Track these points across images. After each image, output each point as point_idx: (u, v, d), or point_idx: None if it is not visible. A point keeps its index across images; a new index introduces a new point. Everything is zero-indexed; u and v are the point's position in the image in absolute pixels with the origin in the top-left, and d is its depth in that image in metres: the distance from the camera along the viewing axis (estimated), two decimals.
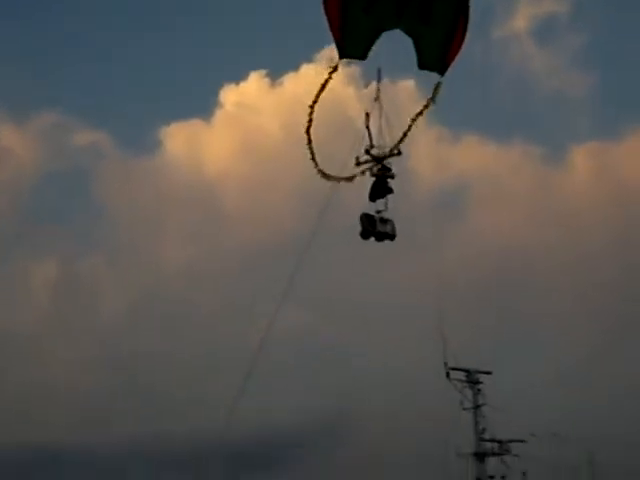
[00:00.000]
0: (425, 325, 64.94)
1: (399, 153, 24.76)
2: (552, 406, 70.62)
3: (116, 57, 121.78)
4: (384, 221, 24.82)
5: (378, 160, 24.77)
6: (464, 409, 56.11)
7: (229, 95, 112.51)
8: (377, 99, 25.20)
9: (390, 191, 24.91)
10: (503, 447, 55.47)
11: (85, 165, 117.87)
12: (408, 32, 24.64)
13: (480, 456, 55.51)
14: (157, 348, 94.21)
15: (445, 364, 55.20)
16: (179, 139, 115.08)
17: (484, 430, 55.98)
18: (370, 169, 24.70)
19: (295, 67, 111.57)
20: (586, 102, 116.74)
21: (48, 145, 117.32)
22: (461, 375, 56.35)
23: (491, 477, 55.24)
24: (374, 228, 24.49)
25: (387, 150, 24.67)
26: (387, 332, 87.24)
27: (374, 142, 24.69)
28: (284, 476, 78.01)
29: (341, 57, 24.96)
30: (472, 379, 56.46)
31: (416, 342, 73.07)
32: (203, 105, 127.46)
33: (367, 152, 24.78)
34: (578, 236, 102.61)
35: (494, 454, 55.59)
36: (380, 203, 24.81)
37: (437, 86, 25.13)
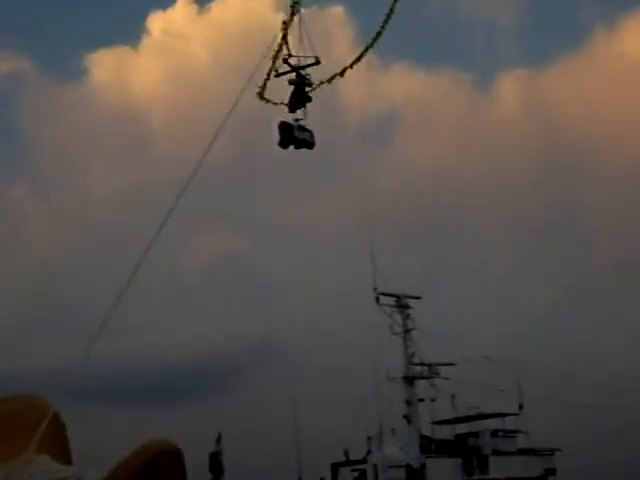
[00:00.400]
0: (355, 251, 65.00)
1: (318, 62, 24.14)
2: (482, 331, 71.33)
3: None
4: (302, 129, 24.22)
5: (296, 69, 24.08)
6: (394, 334, 56.36)
7: (156, 22, 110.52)
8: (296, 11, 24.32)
9: (309, 99, 24.28)
10: (432, 370, 55.85)
11: (8, 93, 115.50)
12: None
13: (410, 379, 55.86)
14: (85, 274, 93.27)
15: (374, 289, 55.29)
16: (106, 66, 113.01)
17: (413, 354, 56.31)
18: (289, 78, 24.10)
19: None
20: (515, 29, 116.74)
21: None
22: (390, 300, 56.49)
23: (421, 400, 55.64)
24: (292, 135, 23.87)
25: (306, 60, 24.02)
26: (317, 258, 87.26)
27: (292, 52, 23.99)
28: (211, 400, 78.07)
29: None
30: (401, 304, 56.62)
31: (346, 268, 73.16)
32: (130, 32, 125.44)
33: (285, 61, 24.07)
34: (506, 163, 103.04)
35: (423, 377, 55.99)
36: (299, 113, 24.23)
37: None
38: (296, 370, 64.94)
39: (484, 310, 78.48)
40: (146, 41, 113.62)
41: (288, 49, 23.83)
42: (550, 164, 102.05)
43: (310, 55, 23.88)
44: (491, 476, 55.01)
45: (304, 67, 23.98)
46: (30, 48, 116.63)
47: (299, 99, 24.00)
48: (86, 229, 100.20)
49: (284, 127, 23.79)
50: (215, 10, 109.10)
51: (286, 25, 23.95)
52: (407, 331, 56.45)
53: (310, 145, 24.20)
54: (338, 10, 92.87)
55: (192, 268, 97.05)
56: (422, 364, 56.24)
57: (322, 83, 24.46)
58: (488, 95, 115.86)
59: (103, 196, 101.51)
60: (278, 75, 24.03)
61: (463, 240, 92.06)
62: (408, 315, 56.72)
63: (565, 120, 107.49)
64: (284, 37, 23.84)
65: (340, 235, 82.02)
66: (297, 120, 24.02)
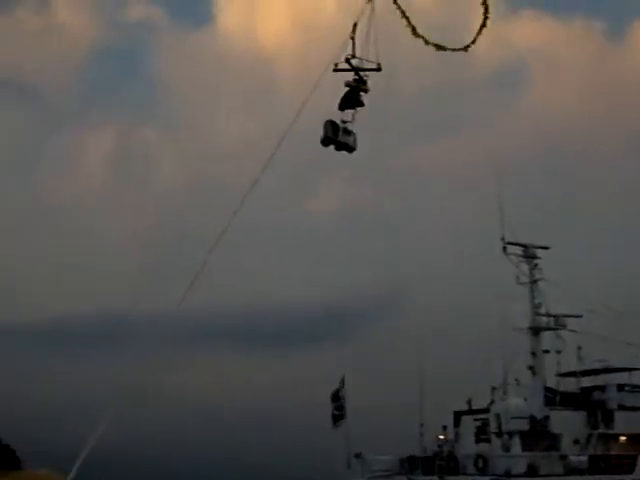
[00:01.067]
0: (482, 198, 64.45)
1: (379, 69, 23.89)
2: (611, 282, 70.14)
3: None
4: (347, 132, 24.09)
5: (356, 70, 23.90)
6: (520, 284, 55.75)
7: None
8: (370, 3, 24.04)
9: (361, 104, 24.10)
10: (559, 322, 55.19)
11: (140, 38, 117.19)
12: None
13: (535, 330, 55.30)
14: (209, 220, 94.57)
15: (502, 239, 54.72)
16: (234, 12, 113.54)
17: (540, 305, 55.67)
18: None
19: None
20: None
21: (103, 19, 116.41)
22: (518, 250, 55.84)
23: (546, 351, 55.12)
24: (336, 136, 23.78)
25: (368, 63, 23.87)
26: (446, 205, 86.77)
27: (357, 53, 23.79)
28: (336, 343, 78.77)
29: None
30: (529, 254, 55.92)
31: (473, 215, 72.64)
32: None
33: (347, 61, 23.88)
34: (636, 112, 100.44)
35: (549, 329, 55.38)
36: (348, 114, 24.09)
37: None
38: (421, 317, 65.06)
39: (613, 261, 77.15)
40: None
41: (354, 48, 23.63)
42: None
43: (373, 61, 23.66)
44: (616, 431, 54.40)
45: (364, 70, 23.76)
46: None
47: (351, 101, 23.88)
48: (214, 171, 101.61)
49: (331, 126, 23.72)
50: None
51: (355, 24, 23.69)
52: (534, 282, 55.76)
53: (351, 149, 24.22)
54: None
55: (319, 215, 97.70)
56: (548, 315, 55.61)
57: (460, 49, 24.13)
58: (619, 44, 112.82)
59: (230, 141, 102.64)
60: (336, 70, 23.87)
61: (591, 189, 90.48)
62: (535, 265, 56.00)
63: None
64: (352, 37, 23.62)
65: (467, 179, 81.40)
66: (344, 122, 23.90)
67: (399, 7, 23.79)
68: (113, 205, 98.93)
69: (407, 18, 23.92)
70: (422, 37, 24.04)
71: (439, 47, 24.17)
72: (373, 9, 23.56)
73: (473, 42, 24.11)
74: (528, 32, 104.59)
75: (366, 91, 24.10)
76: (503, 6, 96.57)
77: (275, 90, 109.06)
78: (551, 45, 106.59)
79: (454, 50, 24.22)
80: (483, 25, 24.02)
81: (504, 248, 55.08)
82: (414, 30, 23.97)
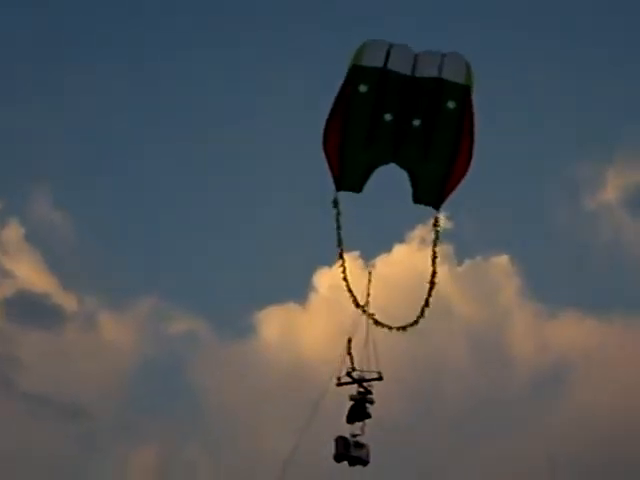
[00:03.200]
0: None
1: (380, 378, 24.20)
2: None
3: (212, 244, 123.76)
4: (359, 445, 24.05)
5: (359, 382, 24.32)
6: None
7: (323, 278, 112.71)
8: (365, 311, 24.94)
9: (368, 416, 24.32)
10: None
11: (182, 352, 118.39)
12: (404, 166, 24.23)
13: None
14: None
15: None
16: (274, 323, 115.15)
17: None
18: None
19: (388, 248, 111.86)
20: None
21: (146, 333, 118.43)
22: None
23: None
24: (348, 452, 23.79)
25: (368, 374, 24.40)
26: None
27: (356, 366, 24.37)
28: None
29: (338, 190, 24.51)
30: None
31: None
32: (297, 289, 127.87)
33: (348, 374, 24.45)
34: None
35: None
36: (357, 427, 24.18)
37: (436, 221, 24.19)
38: None
39: None
40: (313, 297, 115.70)
41: (352, 362, 24.05)
42: None
43: (374, 370, 24.20)
44: None
45: (366, 380, 24.05)
46: (202, 306, 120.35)
47: (358, 414, 24.02)
48: None
49: (342, 443, 23.78)
50: (379, 264, 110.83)
51: (350, 340, 24.24)
52: None
53: (364, 463, 24.15)
54: (503, 259, 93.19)
55: None
56: None
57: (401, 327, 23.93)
58: None
59: (274, 459, 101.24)
60: (340, 384, 24.20)
61: None
62: None
63: None
64: (349, 352, 24.12)
65: None
66: (354, 435, 23.89)
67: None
68: None
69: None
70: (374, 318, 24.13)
71: (379, 323, 24.23)
72: (367, 319, 24.10)
73: (416, 322, 23.98)
74: (568, 333, 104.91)
75: (372, 402, 24.15)
76: (543, 308, 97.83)
77: (318, 404, 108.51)
78: (594, 345, 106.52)
79: (398, 329, 24.14)
80: (426, 305, 24.08)
81: None
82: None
